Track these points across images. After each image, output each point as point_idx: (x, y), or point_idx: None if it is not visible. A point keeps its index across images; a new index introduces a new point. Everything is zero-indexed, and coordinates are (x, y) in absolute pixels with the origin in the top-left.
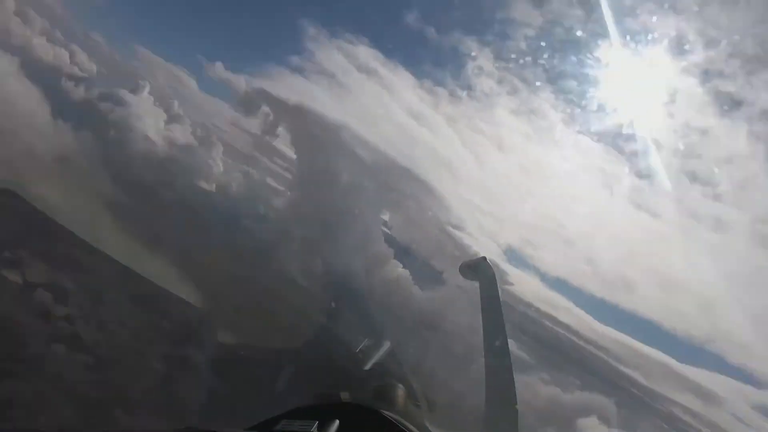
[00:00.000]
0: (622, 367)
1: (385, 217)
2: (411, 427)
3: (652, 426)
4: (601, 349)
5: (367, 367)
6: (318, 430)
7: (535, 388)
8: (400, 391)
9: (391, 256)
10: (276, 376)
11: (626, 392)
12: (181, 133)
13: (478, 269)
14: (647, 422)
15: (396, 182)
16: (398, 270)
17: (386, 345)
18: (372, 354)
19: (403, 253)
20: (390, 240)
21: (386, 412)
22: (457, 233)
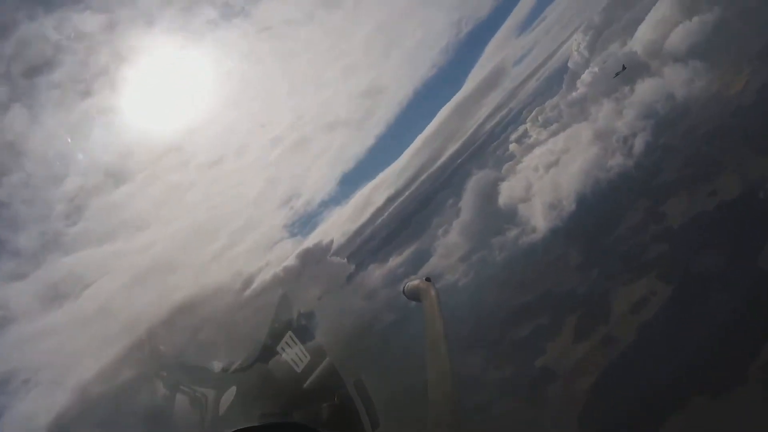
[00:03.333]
0: None
1: None
2: None
3: None
4: None
5: (307, 385)
6: None
7: None
8: (340, 409)
9: None
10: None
11: None
12: None
13: (421, 291)
14: None
15: None
16: None
17: (326, 362)
18: (312, 371)
19: None
20: None
21: None
22: None
